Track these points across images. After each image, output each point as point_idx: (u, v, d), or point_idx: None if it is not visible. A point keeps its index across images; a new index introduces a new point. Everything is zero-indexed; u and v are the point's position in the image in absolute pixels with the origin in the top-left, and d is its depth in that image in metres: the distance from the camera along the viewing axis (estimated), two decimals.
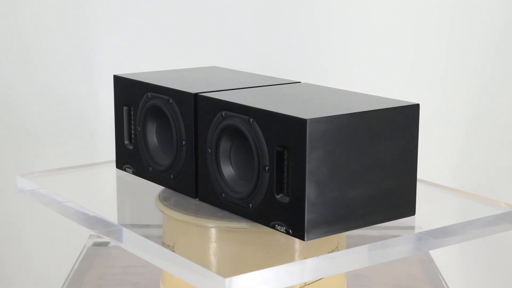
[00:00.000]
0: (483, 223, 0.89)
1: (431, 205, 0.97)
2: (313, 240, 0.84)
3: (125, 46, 1.51)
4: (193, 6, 1.49)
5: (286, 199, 0.77)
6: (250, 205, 0.81)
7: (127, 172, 0.98)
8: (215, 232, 0.84)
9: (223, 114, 0.83)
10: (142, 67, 1.40)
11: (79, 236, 1.31)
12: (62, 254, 1.46)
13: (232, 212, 0.84)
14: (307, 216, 0.76)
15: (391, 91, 1.46)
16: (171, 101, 0.90)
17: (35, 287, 1.54)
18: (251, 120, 0.80)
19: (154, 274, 1.10)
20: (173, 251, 0.88)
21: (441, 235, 0.85)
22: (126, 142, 0.96)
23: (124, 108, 0.96)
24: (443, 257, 1.40)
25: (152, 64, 1.44)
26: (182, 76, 0.99)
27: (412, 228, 0.87)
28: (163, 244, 0.90)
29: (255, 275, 0.73)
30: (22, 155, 1.54)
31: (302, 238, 0.76)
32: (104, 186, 1.09)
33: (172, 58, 1.51)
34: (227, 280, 0.71)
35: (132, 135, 0.96)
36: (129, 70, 1.16)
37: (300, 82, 0.96)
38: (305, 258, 0.82)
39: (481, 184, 1.49)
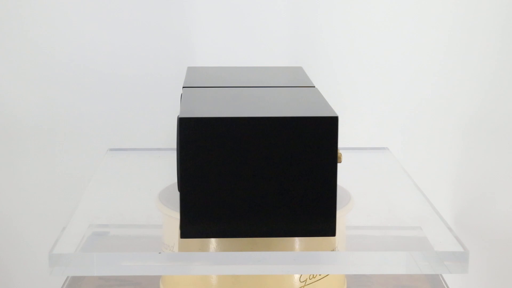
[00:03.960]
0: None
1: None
2: (313, 240, 0.84)
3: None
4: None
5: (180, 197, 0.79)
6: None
7: None
8: None
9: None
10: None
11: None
12: None
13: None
14: (181, 215, 0.77)
15: (391, 91, 1.46)
16: None
17: (35, 287, 1.54)
18: None
19: (154, 274, 1.10)
20: (173, 251, 0.88)
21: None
22: None
23: None
24: None
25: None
26: (223, 72, 1.01)
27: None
28: (163, 244, 0.90)
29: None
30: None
31: (180, 235, 0.78)
32: (139, 175, 1.10)
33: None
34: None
35: None
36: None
37: (314, 87, 0.94)
38: None
39: (481, 184, 1.49)
